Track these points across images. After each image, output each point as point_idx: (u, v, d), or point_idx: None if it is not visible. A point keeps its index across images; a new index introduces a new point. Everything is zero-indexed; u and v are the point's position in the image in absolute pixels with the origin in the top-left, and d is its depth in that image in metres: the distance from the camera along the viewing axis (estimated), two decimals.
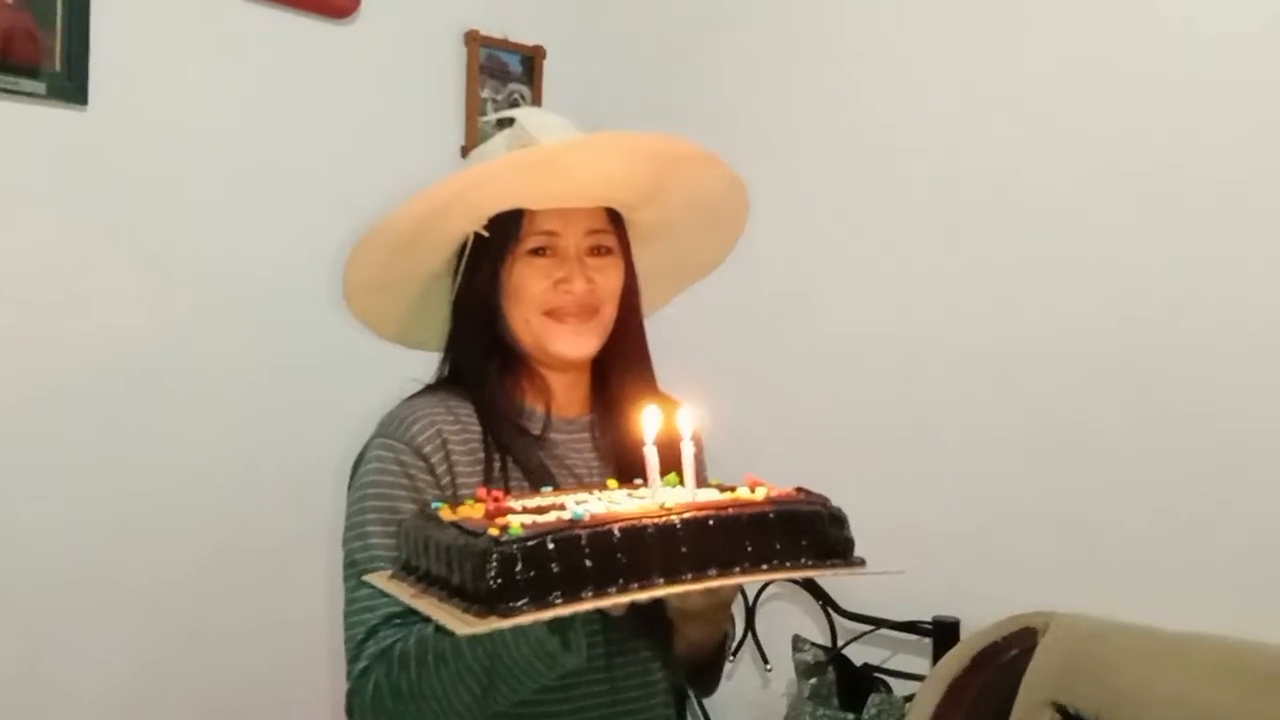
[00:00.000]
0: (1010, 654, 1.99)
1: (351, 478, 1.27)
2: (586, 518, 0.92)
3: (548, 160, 1.23)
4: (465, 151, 2.60)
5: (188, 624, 2.20)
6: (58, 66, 2.00)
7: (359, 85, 2.46)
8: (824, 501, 1.04)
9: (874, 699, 2.11)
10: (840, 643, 2.26)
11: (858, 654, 2.24)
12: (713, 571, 0.94)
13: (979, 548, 2.18)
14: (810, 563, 0.99)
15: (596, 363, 1.33)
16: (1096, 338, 2.07)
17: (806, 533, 1.00)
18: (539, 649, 1.01)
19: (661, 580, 0.92)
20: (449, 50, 2.60)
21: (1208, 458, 1.95)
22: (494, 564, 0.86)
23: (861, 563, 1.03)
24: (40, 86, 1.99)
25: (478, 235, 1.27)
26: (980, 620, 2.05)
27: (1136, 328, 2.03)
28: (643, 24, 2.76)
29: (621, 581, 0.90)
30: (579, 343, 1.27)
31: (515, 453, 1.24)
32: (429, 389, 1.32)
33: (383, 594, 1.10)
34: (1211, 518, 1.94)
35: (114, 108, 2.09)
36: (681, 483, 1.03)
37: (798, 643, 2.28)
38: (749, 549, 0.96)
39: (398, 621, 1.13)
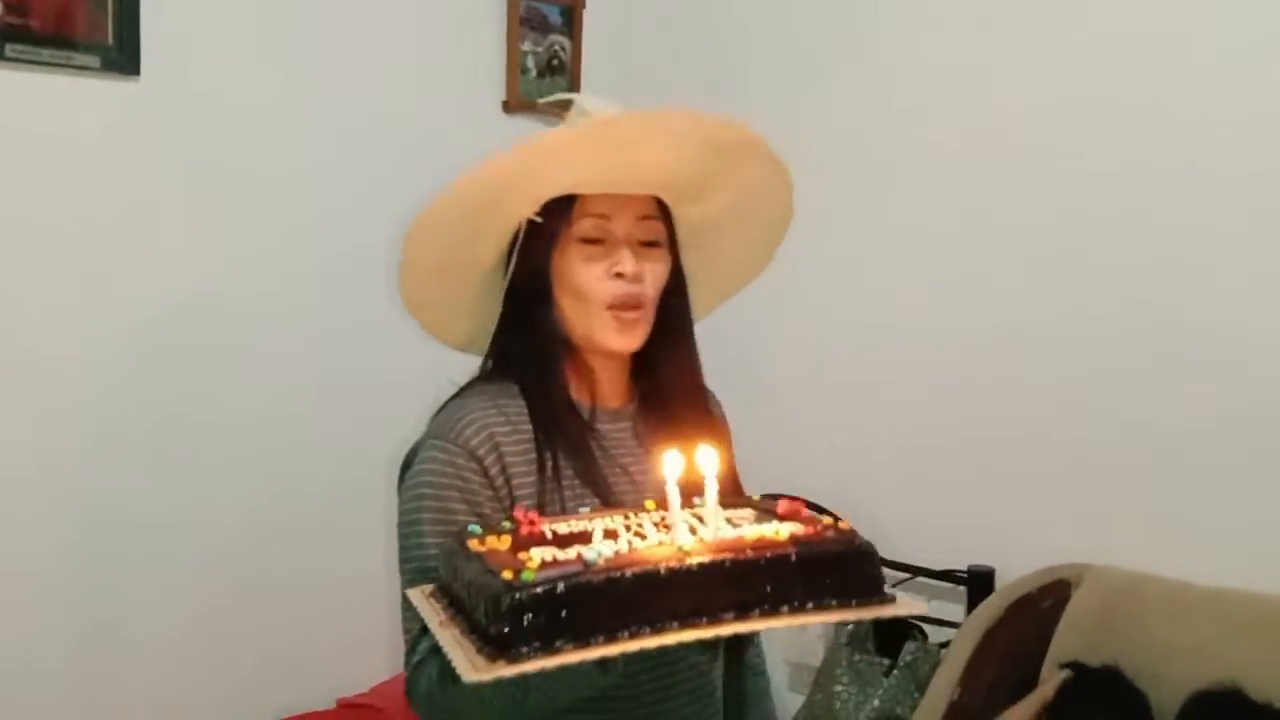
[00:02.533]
0: (1044, 604, 2.04)
1: (402, 475, 1.31)
2: (600, 561, 0.93)
3: (607, 131, 1.24)
4: (507, 106, 2.62)
5: (246, 577, 2.32)
6: (109, 39, 2.05)
7: (400, 42, 2.47)
8: (852, 537, 1.02)
9: (909, 646, 2.18)
10: None
11: None
12: (729, 615, 0.94)
13: (1016, 498, 2.22)
14: (835, 604, 0.98)
15: (638, 353, 1.34)
16: (1127, 289, 2.09)
17: (831, 572, 0.98)
18: (576, 669, 1.00)
19: (676, 625, 0.92)
20: (488, 2, 2.61)
21: (1245, 411, 1.97)
22: (505, 610, 0.89)
23: (892, 599, 1.02)
24: (94, 59, 2.04)
25: (530, 222, 1.29)
26: (1016, 570, 2.10)
27: (1164, 283, 2.05)
28: None
29: (634, 628, 0.91)
30: (627, 337, 1.29)
31: (565, 449, 1.27)
32: (478, 383, 1.34)
33: None
34: (1248, 472, 1.96)
35: (165, 78, 2.13)
36: (724, 504, 1.05)
37: None
38: (768, 591, 0.96)
39: None
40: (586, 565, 0.93)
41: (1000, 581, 2.17)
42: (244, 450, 2.30)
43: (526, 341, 1.31)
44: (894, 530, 2.31)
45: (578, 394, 1.34)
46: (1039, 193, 2.19)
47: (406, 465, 1.32)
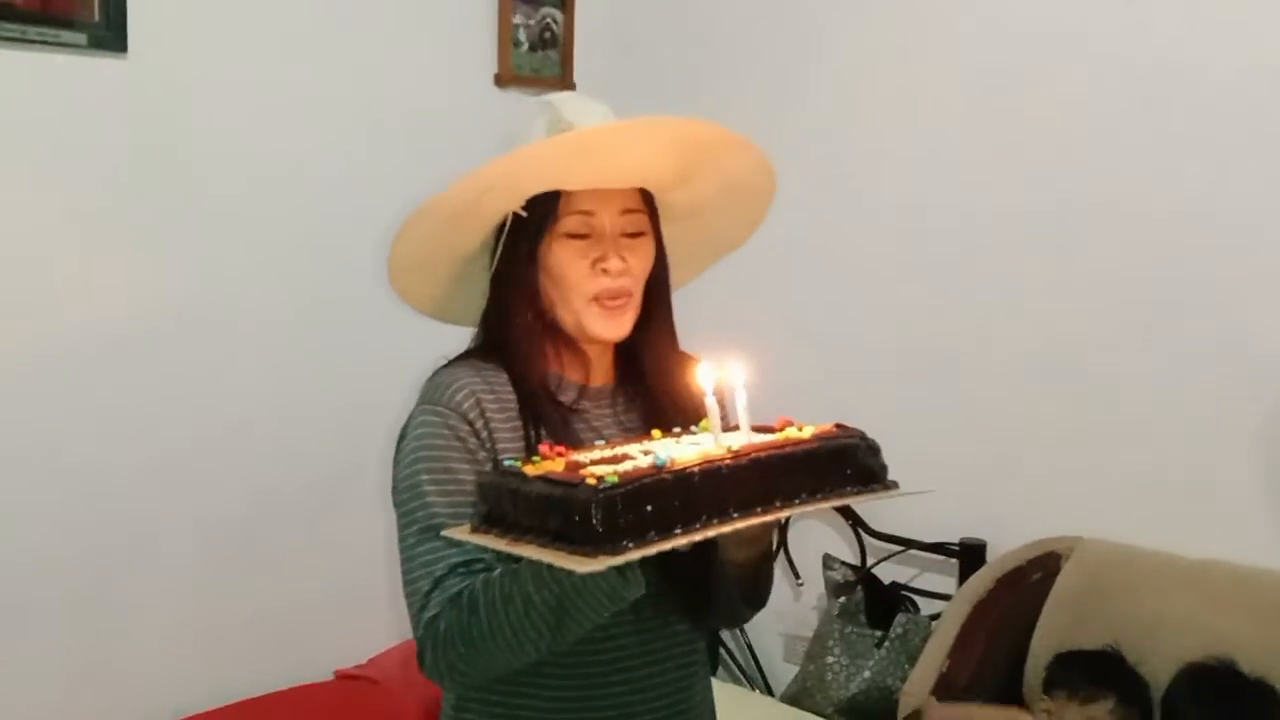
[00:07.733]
0: (1034, 577, 2.07)
1: (399, 445, 1.33)
2: (668, 463, 1.01)
3: (587, 144, 1.28)
4: (499, 79, 2.61)
5: (244, 552, 2.32)
6: (96, 17, 2.04)
7: (392, 17, 2.47)
8: (861, 434, 1.15)
9: (901, 618, 2.20)
10: (870, 562, 2.34)
11: (886, 573, 2.32)
12: (778, 503, 1.06)
13: (1008, 472, 2.24)
14: (855, 489, 1.12)
15: None
16: (1118, 268, 2.11)
17: (849, 463, 1.12)
18: (604, 583, 1.08)
19: (736, 515, 1.03)
20: None
21: (1236, 388, 1.98)
22: (598, 510, 0.96)
23: (896, 485, 1.14)
24: (80, 37, 2.03)
25: (516, 215, 1.31)
26: (1007, 543, 2.13)
27: (1148, 254, 2.07)
28: None
29: (705, 518, 1.01)
30: (615, 326, 1.33)
31: (548, 425, 1.31)
32: (464, 357, 1.37)
33: (446, 545, 1.19)
34: (1237, 447, 1.98)
35: (152, 54, 2.13)
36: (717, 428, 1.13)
37: (828, 561, 2.36)
38: (804, 481, 1.08)
39: (462, 570, 1.20)
40: (658, 468, 1.00)
41: (992, 555, 2.19)
42: (241, 426, 2.29)
43: (512, 329, 1.34)
44: (886, 503, 2.33)
45: (570, 373, 1.37)
46: (1029, 175, 2.21)
47: (402, 436, 1.34)
